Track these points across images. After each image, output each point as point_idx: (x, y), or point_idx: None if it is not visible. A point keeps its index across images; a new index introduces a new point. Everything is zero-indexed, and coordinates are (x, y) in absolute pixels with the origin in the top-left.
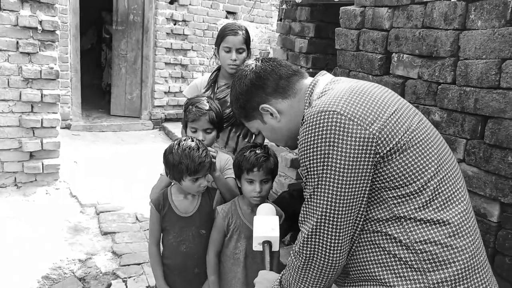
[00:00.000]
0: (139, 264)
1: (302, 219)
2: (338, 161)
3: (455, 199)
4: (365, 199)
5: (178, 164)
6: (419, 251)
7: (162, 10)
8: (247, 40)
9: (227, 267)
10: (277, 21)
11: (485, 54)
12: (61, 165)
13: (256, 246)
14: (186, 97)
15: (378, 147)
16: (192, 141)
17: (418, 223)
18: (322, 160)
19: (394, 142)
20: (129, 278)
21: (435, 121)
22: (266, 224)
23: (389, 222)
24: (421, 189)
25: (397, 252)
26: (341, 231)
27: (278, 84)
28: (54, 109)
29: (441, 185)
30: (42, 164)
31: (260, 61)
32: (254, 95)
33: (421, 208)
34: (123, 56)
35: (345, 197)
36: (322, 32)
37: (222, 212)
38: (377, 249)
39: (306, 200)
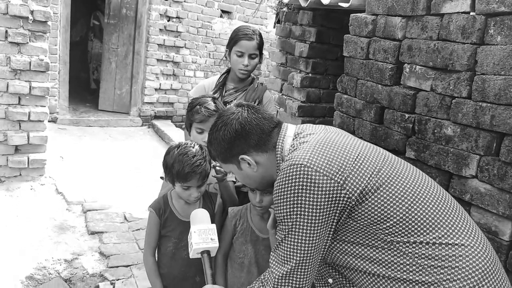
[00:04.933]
0: (127, 266)
1: (274, 261)
2: (307, 211)
3: (445, 219)
4: (329, 240)
5: (170, 168)
6: (426, 266)
7: (156, 5)
8: (260, 45)
9: (230, 271)
10: (275, 22)
11: (504, 70)
12: (47, 160)
13: (194, 255)
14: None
15: (347, 193)
16: (193, 147)
17: (413, 245)
18: (292, 209)
19: (362, 186)
20: (117, 280)
21: (447, 135)
22: (205, 234)
23: (389, 251)
24: (405, 217)
25: (405, 277)
26: (310, 273)
27: (260, 138)
28: (43, 102)
29: (424, 209)
30: (28, 158)
31: (245, 111)
32: (236, 145)
33: (412, 233)
34: (113, 50)
35: (315, 243)
36: (323, 37)
37: (231, 212)
38: (383, 281)
39: (278, 243)
